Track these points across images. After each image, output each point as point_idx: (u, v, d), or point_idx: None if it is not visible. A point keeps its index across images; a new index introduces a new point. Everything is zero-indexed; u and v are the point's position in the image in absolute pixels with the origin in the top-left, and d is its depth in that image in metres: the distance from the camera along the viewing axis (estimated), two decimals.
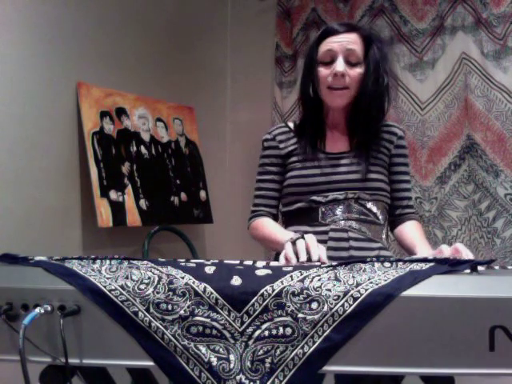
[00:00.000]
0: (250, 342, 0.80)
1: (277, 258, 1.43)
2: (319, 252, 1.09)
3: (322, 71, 1.34)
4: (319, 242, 1.34)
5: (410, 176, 1.50)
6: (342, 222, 1.35)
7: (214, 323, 0.80)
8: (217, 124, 3.03)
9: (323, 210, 1.36)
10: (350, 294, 0.79)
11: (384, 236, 1.43)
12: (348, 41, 1.32)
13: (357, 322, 0.77)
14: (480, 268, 0.88)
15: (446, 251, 1.08)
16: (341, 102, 1.37)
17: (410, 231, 1.40)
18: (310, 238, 1.13)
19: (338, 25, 1.36)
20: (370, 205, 1.37)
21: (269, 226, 1.40)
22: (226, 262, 1.01)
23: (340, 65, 1.31)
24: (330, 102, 1.37)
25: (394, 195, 1.45)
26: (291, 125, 1.50)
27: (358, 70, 1.33)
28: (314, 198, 1.36)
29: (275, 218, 1.47)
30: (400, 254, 2.43)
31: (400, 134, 1.47)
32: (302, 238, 1.13)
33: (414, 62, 2.50)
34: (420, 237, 1.37)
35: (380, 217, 1.39)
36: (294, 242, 1.13)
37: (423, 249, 1.27)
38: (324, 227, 1.35)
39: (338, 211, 1.36)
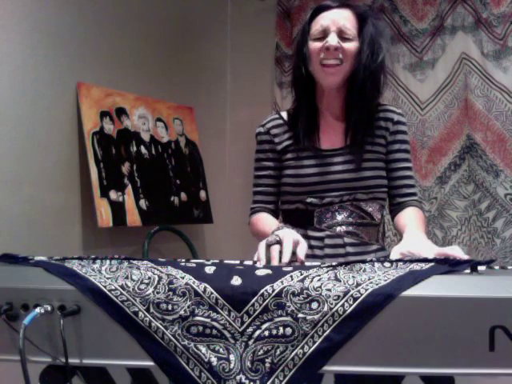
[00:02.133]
0: (250, 342, 0.80)
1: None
2: (298, 252, 1.07)
3: (314, 46, 1.28)
4: (315, 248, 1.33)
5: (411, 162, 1.42)
6: (338, 228, 1.33)
7: (214, 323, 0.80)
8: (217, 124, 3.03)
9: (319, 213, 1.34)
10: (350, 294, 0.78)
11: (380, 236, 1.40)
12: (341, 16, 1.27)
13: (357, 322, 0.77)
14: (480, 268, 0.88)
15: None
16: (334, 79, 1.29)
17: (405, 216, 1.32)
18: (287, 242, 1.09)
19: (331, 1, 1.31)
20: (366, 206, 1.34)
21: (263, 222, 1.36)
22: (226, 262, 1.01)
23: (333, 39, 1.25)
24: (323, 79, 1.30)
25: (392, 184, 1.38)
26: (284, 115, 1.43)
27: (353, 44, 1.27)
28: (310, 199, 1.33)
29: (275, 213, 1.44)
30: None
31: (396, 118, 1.39)
32: (277, 242, 1.10)
33: (414, 62, 2.50)
34: (413, 219, 1.29)
35: (376, 217, 1.36)
36: (268, 246, 1.10)
37: (410, 230, 1.20)
38: (319, 233, 1.33)
39: (334, 215, 1.33)
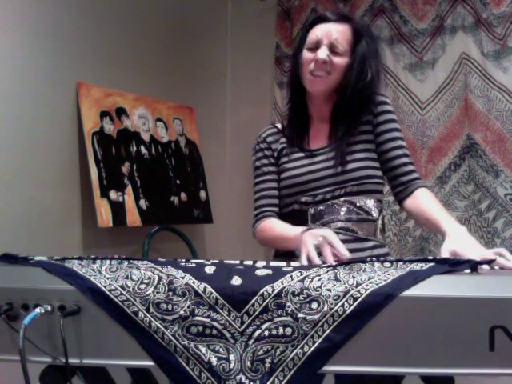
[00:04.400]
0: (250, 342, 0.80)
1: (276, 258, 1.43)
2: (344, 252, 1.10)
3: (306, 56, 1.35)
4: None
5: (404, 141, 1.39)
6: (332, 225, 1.32)
7: (214, 323, 0.81)
8: (217, 124, 3.03)
9: (312, 212, 1.35)
10: (350, 293, 0.79)
11: (378, 232, 1.38)
12: (335, 30, 1.33)
13: (357, 322, 0.77)
14: (480, 268, 0.88)
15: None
16: (319, 88, 1.36)
17: (425, 204, 1.28)
18: (337, 242, 1.12)
19: (330, 13, 1.37)
20: (359, 201, 1.34)
21: (279, 226, 1.37)
22: (226, 262, 1.01)
23: (322, 52, 1.31)
24: (309, 87, 1.37)
25: (389, 165, 1.36)
26: (279, 126, 1.51)
27: (342, 60, 1.32)
28: (304, 198, 1.36)
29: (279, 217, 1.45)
30: (400, 253, 2.44)
31: (380, 99, 1.39)
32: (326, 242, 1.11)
33: (414, 62, 2.50)
34: (439, 209, 1.25)
35: (372, 211, 1.35)
36: (317, 246, 1.12)
37: (448, 224, 1.18)
38: None
39: (326, 212, 1.33)
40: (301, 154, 1.41)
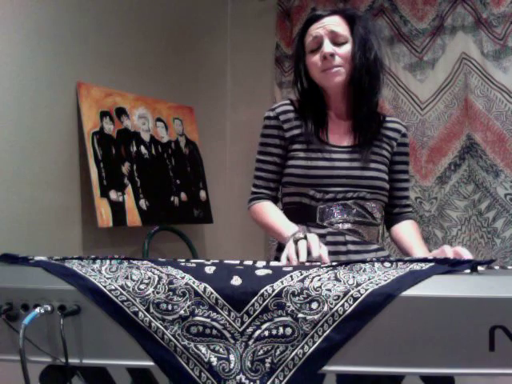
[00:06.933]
0: (250, 342, 0.80)
1: (277, 258, 1.43)
2: (320, 251, 1.09)
3: (312, 58, 1.33)
4: None
5: (410, 175, 1.51)
6: (340, 225, 1.33)
7: (214, 323, 0.80)
8: (217, 124, 3.03)
9: (321, 209, 1.34)
10: (350, 293, 0.79)
11: (380, 236, 1.43)
12: (331, 23, 1.31)
13: (357, 322, 0.77)
14: (480, 268, 0.88)
15: (447, 251, 1.08)
16: (338, 80, 1.33)
17: (407, 231, 1.40)
18: (313, 238, 1.13)
19: (320, 11, 1.37)
20: (368, 205, 1.35)
21: (270, 214, 1.37)
22: (226, 262, 1.01)
23: (327, 46, 1.30)
24: (327, 82, 1.34)
25: (393, 194, 1.44)
26: (296, 104, 1.44)
27: (347, 48, 1.31)
28: (314, 193, 1.34)
29: (275, 200, 1.45)
30: (399, 254, 2.43)
31: (404, 131, 1.45)
32: (304, 238, 1.13)
33: (414, 62, 2.50)
34: (417, 237, 1.37)
35: (377, 216, 1.38)
36: (296, 242, 1.13)
37: (420, 251, 1.28)
38: (321, 230, 1.33)
39: (336, 212, 1.34)
40: (319, 147, 1.36)
